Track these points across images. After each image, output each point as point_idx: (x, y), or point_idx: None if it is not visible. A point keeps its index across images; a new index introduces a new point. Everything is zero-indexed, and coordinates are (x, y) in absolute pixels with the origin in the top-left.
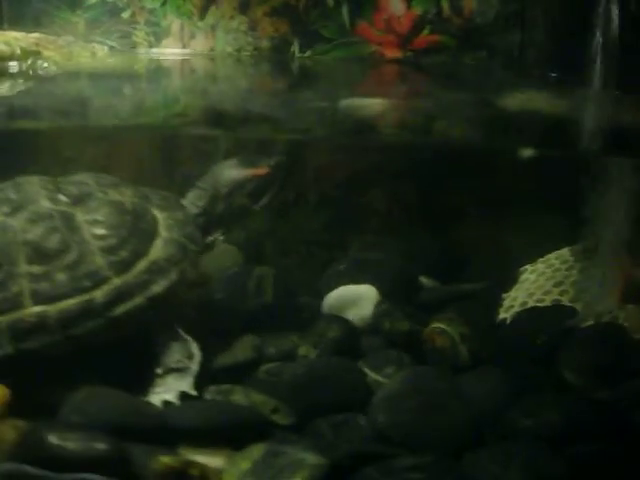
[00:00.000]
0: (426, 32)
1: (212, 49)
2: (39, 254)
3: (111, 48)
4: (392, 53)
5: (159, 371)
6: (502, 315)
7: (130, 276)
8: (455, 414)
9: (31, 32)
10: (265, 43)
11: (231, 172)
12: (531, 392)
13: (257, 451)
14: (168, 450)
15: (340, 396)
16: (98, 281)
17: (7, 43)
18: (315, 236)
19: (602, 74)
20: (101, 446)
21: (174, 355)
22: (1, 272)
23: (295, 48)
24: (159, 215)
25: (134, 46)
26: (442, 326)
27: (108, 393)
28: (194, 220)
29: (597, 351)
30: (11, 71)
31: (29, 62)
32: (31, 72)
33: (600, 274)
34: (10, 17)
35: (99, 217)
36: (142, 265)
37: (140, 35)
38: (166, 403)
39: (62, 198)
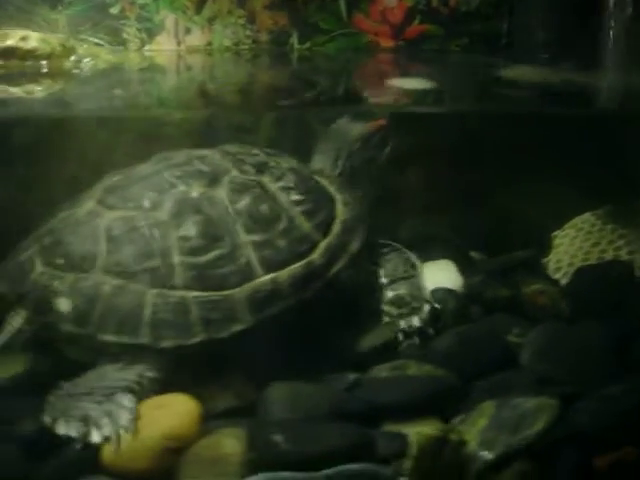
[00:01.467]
0: (416, 22)
1: (209, 44)
2: (256, 223)
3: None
4: (386, 43)
5: (385, 281)
6: (553, 276)
7: (333, 237)
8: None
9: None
10: (264, 36)
11: (357, 127)
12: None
13: (489, 408)
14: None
15: (493, 358)
16: (312, 244)
17: (44, 41)
18: None
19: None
20: (347, 435)
21: (398, 266)
22: (225, 244)
23: (294, 40)
24: (321, 179)
25: (123, 43)
26: (541, 287)
27: (303, 387)
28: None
29: None
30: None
31: (71, 60)
32: (77, 70)
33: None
34: None
35: (289, 184)
36: (338, 226)
37: (131, 32)
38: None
39: (248, 168)
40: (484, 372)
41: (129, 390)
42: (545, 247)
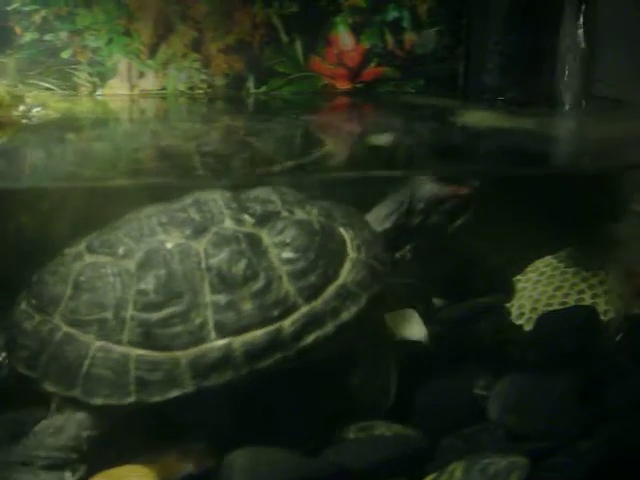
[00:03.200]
0: (373, 65)
1: (163, 88)
2: (225, 281)
3: (48, 90)
4: (343, 85)
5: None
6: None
7: (319, 302)
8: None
9: None
10: (219, 80)
11: (432, 187)
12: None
13: (458, 470)
14: None
15: (461, 414)
16: (286, 309)
17: None
18: None
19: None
20: None
21: (370, 387)
22: (183, 302)
23: (250, 84)
24: (345, 234)
25: (75, 88)
26: (506, 335)
27: (270, 453)
28: (383, 236)
29: None
30: None
31: (21, 110)
32: (26, 120)
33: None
34: None
35: (287, 239)
36: (332, 290)
37: (82, 76)
38: None
39: (247, 218)
40: (452, 429)
41: (67, 462)
42: (508, 292)
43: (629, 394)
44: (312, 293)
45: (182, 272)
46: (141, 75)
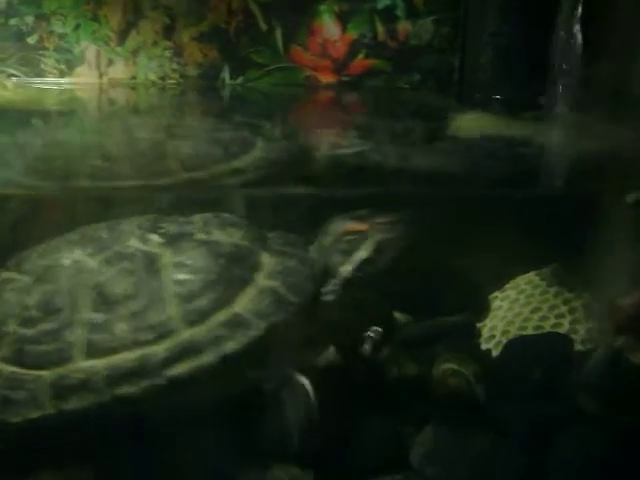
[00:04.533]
0: (361, 56)
1: (133, 77)
2: (106, 300)
3: (11, 77)
4: (327, 78)
5: None
6: (484, 346)
7: (203, 329)
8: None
9: None
10: (192, 70)
11: (336, 225)
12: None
13: None
14: None
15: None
16: (163, 333)
17: None
18: None
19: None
20: None
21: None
22: (59, 319)
23: (225, 75)
24: (266, 260)
25: (41, 75)
26: (454, 366)
27: None
28: (314, 268)
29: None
30: None
31: None
32: None
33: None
34: None
35: (186, 260)
36: (220, 317)
37: (49, 63)
38: None
39: (155, 238)
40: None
41: None
42: (482, 310)
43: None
44: (196, 318)
45: (68, 289)
46: (110, 63)
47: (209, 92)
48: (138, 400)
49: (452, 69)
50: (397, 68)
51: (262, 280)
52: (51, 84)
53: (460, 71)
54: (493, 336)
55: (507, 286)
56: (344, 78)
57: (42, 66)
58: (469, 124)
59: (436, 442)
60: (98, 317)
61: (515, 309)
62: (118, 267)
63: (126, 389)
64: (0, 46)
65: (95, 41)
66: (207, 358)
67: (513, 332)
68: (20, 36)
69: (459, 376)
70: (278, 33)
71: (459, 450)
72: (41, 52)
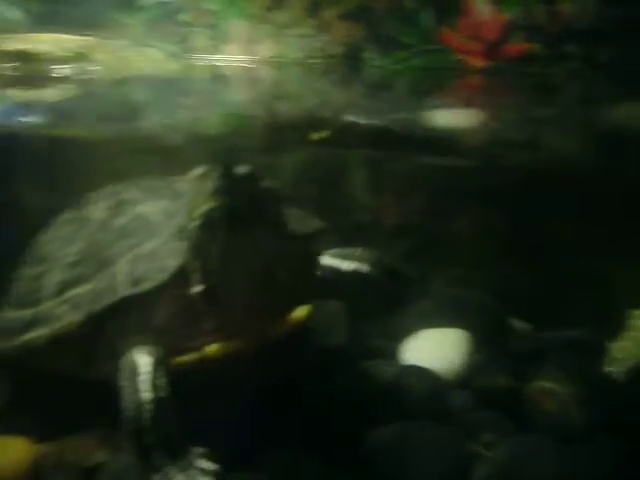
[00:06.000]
0: (515, 39)
1: (279, 55)
2: None
3: (168, 53)
4: (477, 62)
5: None
6: (607, 368)
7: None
8: None
9: (84, 34)
10: (337, 49)
11: None
12: None
13: None
14: None
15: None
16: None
17: (55, 45)
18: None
19: None
20: None
21: None
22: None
23: (370, 55)
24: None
25: (193, 51)
26: (550, 385)
27: None
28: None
29: None
30: (57, 75)
31: (76, 66)
32: (78, 76)
33: None
34: (64, 19)
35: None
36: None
37: (200, 39)
38: None
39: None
40: None
41: None
42: (614, 327)
43: None
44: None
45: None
46: (257, 41)
47: (353, 72)
48: None
49: (617, 56)
50: (554, 53)
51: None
52: (202, 60)
53: (625, 58)
54: (621, 359)
55: None
56: (496, 63)
57: (194, 43)
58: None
59: (504, 461)
60: None
61: None
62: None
63: None
64: (157, 23)
65: (245, 19)
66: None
67: None
68: (174, 14)
69: (553, 396)
70: (426, 13)
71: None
72: (193, 29)
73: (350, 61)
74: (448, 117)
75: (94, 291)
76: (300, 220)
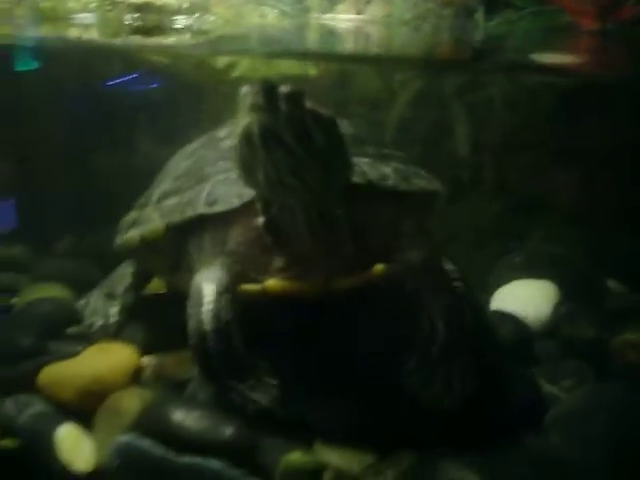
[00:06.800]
0: (632, 1)
1: (389, 15)
2: None
3: (282, 12)
4: (589, 24)
5: None
6: None
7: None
8: None
9: None
10: (447, 10)
11: None
12: None
13: (405, 460)
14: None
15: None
16: None
17: None
18: (487, 224)
19: None
20: (226, 431)
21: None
22: None
23: (479, 16)
24: None
25: (307, 11)
26: (636, 337)
27: None
28: None
29: None
30: (176, 26)
31: (195, 17)
32: (195, 28)
33: None
34: None
35: None
36: None
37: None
38: None
39: None
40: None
41: None
42: None
43: None
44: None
45: None
46: (368, 1)
47: (462, 33)
48: None
49: None
50: None
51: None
52: (314, 19)
53: None
54: None
55: None
56: (610, 25)
57: (308, 2)
58: None
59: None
60: None
61: None
62: None
63: None
64: None
65: None
66: None
67: None
68: None
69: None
70: None
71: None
72: None
73: (459, 21)
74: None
75: (180, 204)
76: (405, 176)
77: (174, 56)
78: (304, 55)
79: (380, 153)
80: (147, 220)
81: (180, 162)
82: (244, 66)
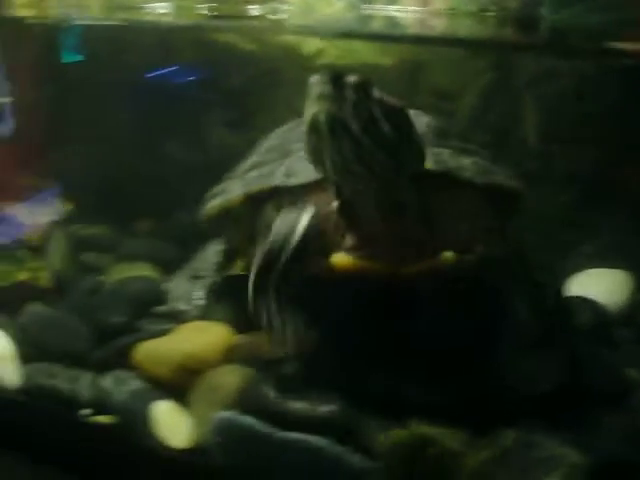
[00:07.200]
0: None
1: (453, 8)
2: None
3: (350, 3)
4: None
5: None
6: None
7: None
8: None
9: None
10: (512, 2)
11: None
12: None
13: (506, 438)
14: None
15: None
16: None
17: None
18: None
19: None
20: (326, 408)
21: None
22: None
23: (545, 10)
24: None
25: (371, 2)
26: None
27: None
28: None
29: None
30: (251, 14)
31: (269, 6)
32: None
33: None
34: None
35: None
36: None
37: None
38: None
39: None
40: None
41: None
42: None
43: None
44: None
45: None
46: None
47: (527, 27)
48: None
49: None
50: None
51: None
52: (378, 10)
53: None
54: None
55: None
56: None
57: None
58: None
59: None
60: None
61: None
62: None
63: None
64: None
65: None
66: None
67: None
68: None
69: None
70: None
71: None
72: None
73: (525, 14)
74: None
75: (260, 175)
76: (485, 171)
77: (261, 42)
78: (394, 39)
79: (464, 147)
80: (230, 191)
81: (269, 140)
82: (331, 54)
